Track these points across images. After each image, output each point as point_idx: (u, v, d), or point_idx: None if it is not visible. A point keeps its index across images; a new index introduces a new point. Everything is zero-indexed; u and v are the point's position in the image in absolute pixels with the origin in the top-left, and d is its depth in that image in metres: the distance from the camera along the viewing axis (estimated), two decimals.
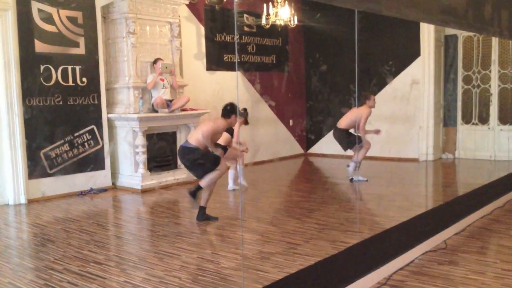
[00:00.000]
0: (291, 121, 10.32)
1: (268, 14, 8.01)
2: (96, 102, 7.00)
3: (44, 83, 6.44)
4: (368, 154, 7.14)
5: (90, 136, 6.96)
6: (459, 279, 3.57)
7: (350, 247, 3.54)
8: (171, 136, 7.63)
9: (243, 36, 9.18)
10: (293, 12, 8.22)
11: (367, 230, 4.68)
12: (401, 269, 3.80)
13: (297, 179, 8.53)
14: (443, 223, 4.59)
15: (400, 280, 3.60)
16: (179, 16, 7.69)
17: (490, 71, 8.92)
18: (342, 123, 7.11)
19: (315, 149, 10.51)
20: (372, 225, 5.05)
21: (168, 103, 7.24)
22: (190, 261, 4.03)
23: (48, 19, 6.45)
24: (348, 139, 7.01)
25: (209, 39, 8.54)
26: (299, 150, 10.52)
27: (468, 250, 4.24)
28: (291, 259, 4.01)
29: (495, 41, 8.72)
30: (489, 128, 8.98)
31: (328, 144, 10.13)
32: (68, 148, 6.73)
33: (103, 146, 7.08)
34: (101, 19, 7.07)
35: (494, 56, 8.83)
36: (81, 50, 6.81)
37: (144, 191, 6.90)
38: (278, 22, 8.21)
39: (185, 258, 4.08)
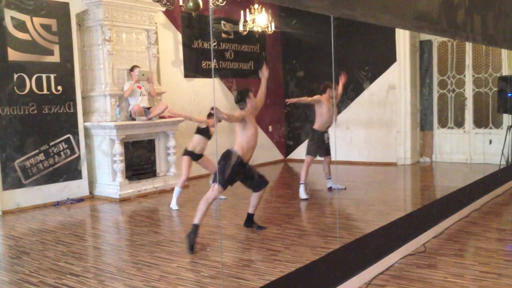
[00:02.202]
0: (270, 127, 10.33)
1: (245, 21, 8.03)
2: (72, 110, 6.89)
3: (17, 91, 6.32)
4: (346, 159, 7.17)
5: (66, 145, 6.84)
6: (438, 282, 3.60)
7: (330, 252, 3.53)
8: (150, 144, 7.56)
9: (221, 43, 9.17)
10: (270, 18, 8.26)
11: (347, 235, 4.69)
12: (381, 273, 3.81)
13: (276, 185, 8.51)
14: (422, 226, 4.63)
15: (380, 285, 3.60)
16: (155, 23, 7.65)
17: (464, 76, 9.07)
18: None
19: (294, 155, 10.53)
20: (351, 230, 5.06)
21: (146, 111, 7.17)
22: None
23: (21, 27, 6.34)
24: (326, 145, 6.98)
25: (187, 46, 8.51)
26: (278, 156, 10.53)
27: (446, 253, 4.28)
28: (272, 266, 3.99)
29: (468, 46, 8.89)
30: (464, 131, 9.13)
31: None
32: (44, 158, 6.60)
33: (79, 155, 6.97)
34: (76, 27, 6.98)
35: (468, 60, 8.99)
36: (55, 58, 6.70)
37: (122, 200, 6.80)
38: (255, 29, 8.23)
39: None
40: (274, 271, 3.84)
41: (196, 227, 4.46)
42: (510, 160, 8.10)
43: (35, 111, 6.50)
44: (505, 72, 8.58)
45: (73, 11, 6.87)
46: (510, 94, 7.85)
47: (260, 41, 9.87)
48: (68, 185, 6.82)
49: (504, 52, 8.56)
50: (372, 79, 9.50)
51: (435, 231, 4.80)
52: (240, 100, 4.94)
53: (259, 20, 8.12)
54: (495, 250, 4.32)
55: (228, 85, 9.30)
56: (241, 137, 4.76)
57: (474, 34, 6.00)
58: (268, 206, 6.28)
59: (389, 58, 9.22)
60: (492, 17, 6.44)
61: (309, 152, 6.83)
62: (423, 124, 9.54)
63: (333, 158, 7.05)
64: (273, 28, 8.33)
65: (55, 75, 6.69)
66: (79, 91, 6.99)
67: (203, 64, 8.81)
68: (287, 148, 10.66)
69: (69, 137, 6.87)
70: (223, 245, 4.63)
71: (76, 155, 6.94)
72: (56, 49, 6.70)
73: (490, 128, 8.92)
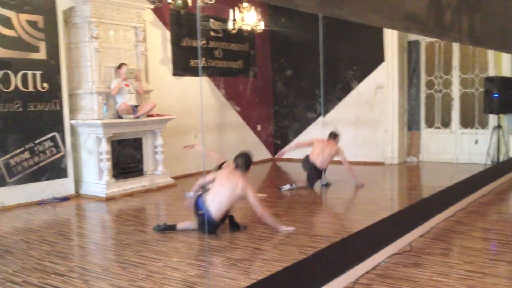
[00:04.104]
0: (258, 126, 10.32)
1: (234, 19, 8.00)
2: (58, 108, 6.82)
3: (2, 88, 6.23)
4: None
5: (52, 143, 6.77)
6: (424, 281, 3.62)
7: (317, 251, 3.53)
8: (137, 143, 7.50)
9: (210, 41, 9.13)
10: (259, 17, 8.24)
11: (334, 234, 4.70)
12: (367, 272, 3.82)
13: (264, 184, 8.51)
14: (408, 225, 4.65)
15: (366, 284, 3.61)
16: (144, 21, 7.59)
17: (451, 76, 9.14)
18: (318, 161, 7.00)
19: None
20: (339, 229, 5.07)
21: (134, 109, 7.12)
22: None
23: (7, 23, 6.25)
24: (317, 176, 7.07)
25: (175, 44, 8.46)
26: (267, 155, 10.53)
27: (432, 252, 4.30)
28: (259, 265, 3.98)
29: (456, 46, 8.96)
30: (451, 131, 9.20)
31: (295, 149, 10.17)
32: (29, 156, 6.52)
33: (65, 153, 6.89)
34: (63, 23, 6.90)
35: (455, 61, 9.06)
36: (41, 55, 6.62)
37: (109, 199, 6.75)
38: (244, 27, 8.21)
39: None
40: (261, 270, 3.83)
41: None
42: (495, 160, 8.19)
43: (20, 109, 6.42)
44: (491, 72, 8.66)
45: (60, 7, 6.80)
46: (496, 95, 7.93)
47: (249, 40, 9.86)
48: (53, 183, 6.75)
49: (491, 53, 8.64)
50: (360, 79, 9.53)
51: (421, 230, 4.83)
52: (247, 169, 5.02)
53: (248, 18, 8.09)
54: (481, 249, 4.35)
55: (216, 84, 9.27)
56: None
57: (462, 35, 6.04)
58: None
59: (377, 58, 9.26)
60: (480, 18, 6.48)
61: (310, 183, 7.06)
62: (410, 124, 9.60)
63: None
64: (262, 27, 8.31)
65: (41, 72, 6.61)
66: (65, 89, 6.92)
67: (192, 63, 8.76)
68: (275, 147, 10.66)
69: (54, 135, 6.80)
70: (210, 244, 4.61)
71: (61, 154, 6.87)
72: (42, 46, 6.62)
73: (476, 128, 9.00)
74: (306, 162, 7.15)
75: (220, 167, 5.68)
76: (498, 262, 3.97)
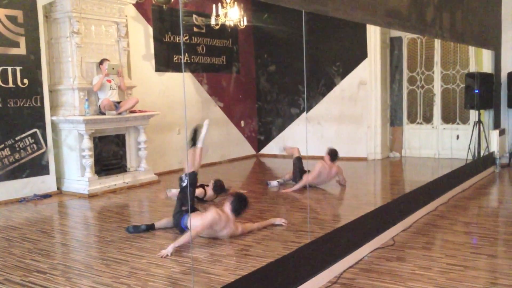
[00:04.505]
0: (242, 122, 10.31)
1: (217, 15, 7.96)
2: (38, 104, 6.72)
3: None
4: (318, 154, 7.21)
5: (33, 140, 6.68)
6: (407, 275, 3.66)
7: (301, 247, 3.54)
8: (120, 139, 7.44)
9: (193, 37, 9.08)
10: (242, 13, 8.21)
11: (318, 229, 4.72)
12: (351, 267, 3.86)
13: (248, 180, 8.52)
14: (391, 220, 4.70)
15: (350, 278, 3.64)
16: (126, 16, 7.51)
17: (433, 72, 9.24)
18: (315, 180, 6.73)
19: (266, 149, 10.55)
20: (322, 224, 5.10)
21: (116, 105, 7.05)
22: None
23: None
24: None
25: (158, 39, 8.39)
26: (250, 151, 10.53)
27: (415, 246, 4.36)
28: (243, 261, 3.99)
29: (437, 43, 9.05)
30: (433, 127, 9.31)
31: (278, 145, 10.19)
32: (9, 153, 6.42)
33: (46, 150, 6.80)
34: (43, 18, 6.80)
35: (437, 57, 9.16)
36: (21, 51, 6.51)
37: (92, 196, 6.68)
38: (227, 23, 8.18)
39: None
40: (245, 266, 3.83)
41: None
42: (476, 155, 8.30)
43: (0, 105, 6.31)
44: (472, 69, 8.77)
45: (40, 2, 6.69)
46: (477, 91, 8.04)
47: (232, 36, 9.83)
48: (34, 180, 6.66)
49: (472, 49, 8.75)
50: (343, 75, 9.58)
51: (404, 224, 4.89)
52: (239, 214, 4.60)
53: (231, 14, 8.07)
54: (462, 243, 4.42)
55: (199, 80, 9.23)
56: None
57: (443, 31, 6.12)
58: None
59: (360, 54, 9.31)
60: (460, 15, 6.57)
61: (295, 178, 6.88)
62: (393, 119, 9.68)
63: (303, 153, 7.07)
64: (245, 23, 8.28)
65: (21, 68, 6.51)
66: (46, 85, 6.82)
67: (175, 58, 8.71)
68: (258, 143, 10.67)
69: (35, 132, 6.70)
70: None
71: (42, 150, 6.78)
72: (22, 41, 6.51)
73: (458, 123, 9.11)
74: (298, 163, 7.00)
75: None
76: (479, 256, 4.04)
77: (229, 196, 4.65)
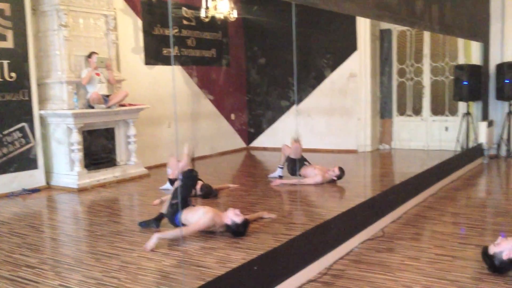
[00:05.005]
0: (233, 115, 10.29)
1: (207, 7, 7.92)
2: (26, 98, 6.65)
3: None
4: (308, 146, 7.23)
5: (21, 134, 6.62)
6: (396, 265, 3.69)
7: (291, 239, 3.55)
8: (109, 133, 7.40)
9: (182, 30, 9.03)
10: (232, 5, 8.18)
11: (308, 221, 4.74)
12: (341, 258, 3.88)
13: (239, 173, 8.52)
14: (381, 212, 4.73)
15: (340, 270, 3.66)
16: (114, 9, 7.45)
17: (422, 64, 9.28)
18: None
19: (257, 142, 10.55)
20: (313, 216, 5.12)
21: (105, 99, 7.01)
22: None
23: None
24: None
25: (147, 32, 8.33)
26: (241, 144, 10.52)
27: (404, 237, 4.39)
28: (234, 253, 3.99)
29: (426, 35, 9.08)
30: (422, 119, 9.36)
31: (269, 138, 10.21)
32: None
33: (35, 144, 6.75)
34: (31, 11, 6.71)
35: (426, 49, 9.20)
36: (9, 44, 6.43)
37: (81, 190, 6.65)
38: (217, 16, 8.14)
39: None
40: (236, 258, 3.84)
41: None
42: (465, 146, 8.37)
43: None
44: (461, 61, 8.82)
45: None
46: (466, 82, 8.09)
47: (222, 28, 9.78)
48: (23, 175, 6.60)
49: (460, 42, 8.80)
50: (333, 67, 9.59)
51: (393, 216, 4.92)
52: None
53: (221, 6, 8.03)
54: (450, 234, 4.46)
55: (189, 73, 9.19)
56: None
57: (432, 23, 6.13)
58: (231, 194, 6.27)
59: (350, 46, 9.32)
60: (449, 7, 6.59)
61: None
62: (383, 112, 9.72)
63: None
64: (235, 15, 8.25)
65: (9, 61, 6.43)
66: (34, 78, 6.75)
67: (164, 51, 8.65)
68: (249, 136, 10.66)
69: (23, 126, 6.64)
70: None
71: (31, 145, 6.72)
72: (9, 34, 6.43)
73: (447, 115, 9.17)
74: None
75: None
76: (467, 246, 4.08)
77: (241, 216, 4.41)
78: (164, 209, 4.76)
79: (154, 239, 4.15)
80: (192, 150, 5.78)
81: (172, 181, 5.91)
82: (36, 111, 6.76)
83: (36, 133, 6.77)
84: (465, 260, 3.74)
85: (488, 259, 3.45)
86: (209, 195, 5.90)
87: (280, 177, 6.93)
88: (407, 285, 3.33)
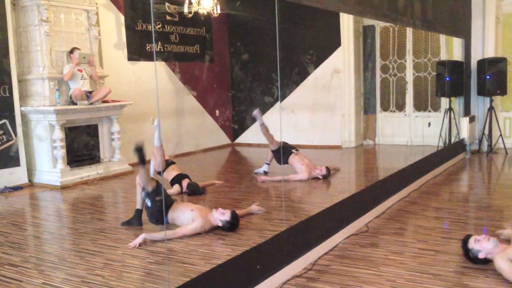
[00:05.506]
0: (217, 111, 10.26)
1: (190, 3, 7.88)
2: (7, 94, 6.55)
3: None
4: (292, 142, 7.24)
5: (2, 131, 6.51)
6: (380, 260, 3.72)
7: (276, 235, 3.56)
8: (92, 129, 7.32)
9: (166, 25, 8.96)
10: (215, 1, 8.14)
11: (293, 217, 4.75)
12: (326, 253, 3.90)
13: (224, 169, 8.51)
14: (365, 207, 4.76)
15: (325, 265, 3.69)
16: (96, 4, 7.36)
17: (405, 60, 9.35)
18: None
19: (241, 139, 10.54)
20: (297, 212, 5.14)
21: (88, 95, 6.93)
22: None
23: None
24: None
25: (130, 28, 8.25)
26: (226, 140, 10.50)
27: (388, 232, 4.43)
28: (219, 250, 3.99)
29: (409, 31, 9.15)
30: (405, 114, 9.44)
31: (253, 134, 10.20)
32: None
33: (16, 141, 6.65)
34: (11, 6, 6.60)
35: (409, 46, 9.27)
36: None
37: (64, 187, 6.58)
38: (200, 11, 8.09)
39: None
40: (221, 255, 3.83)
41: None
42: (447, 142, 8.47)
43: None
44: (443, 57, 8.91)
45: None
46: (448, 78, 8.17)
47: (205, 24, 9.74)
48: (4, 172, 6.51)
49: (442, 38, 8.88)
50: (317, 63, 9.61)
51: (377, 211, 4.96)
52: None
53: (204, 2, 7.98)
54: (433, 228, 4.51)
55: (172, 68, 9.13)
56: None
57: (414, 19, 6.18)
58: (216, 190, 6.26)
59: (334, 42, 9.35)
60: (431, 4, 6.64)
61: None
62: (367, 107, 9.78)
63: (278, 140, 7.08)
64: (218, 11, 8.22)
65: None
66: (14, 74, 6.64)
67: (148, 47, 8.59)
68: (233, 132, 10.64)
69: (4, 122, 6.54)
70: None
71: (12, 142, 6.62)
72: None
73: (429, 111, 9.27)
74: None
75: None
76: (450, 240, 4.13)
77: (226, 212, 4.40)
78: (139, 204, 4.73)
79: (139, 239, 4.12)
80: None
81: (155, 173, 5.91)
82: (17, 108, 6.66)
83: (18, 130, 6.67)
84: (448, 254, 3.79)
85: (465, 249, 3.55)
86: (195, 193, 5.88)
87: (265, 173, 6.94)
88: (391, 279, 3.37)
